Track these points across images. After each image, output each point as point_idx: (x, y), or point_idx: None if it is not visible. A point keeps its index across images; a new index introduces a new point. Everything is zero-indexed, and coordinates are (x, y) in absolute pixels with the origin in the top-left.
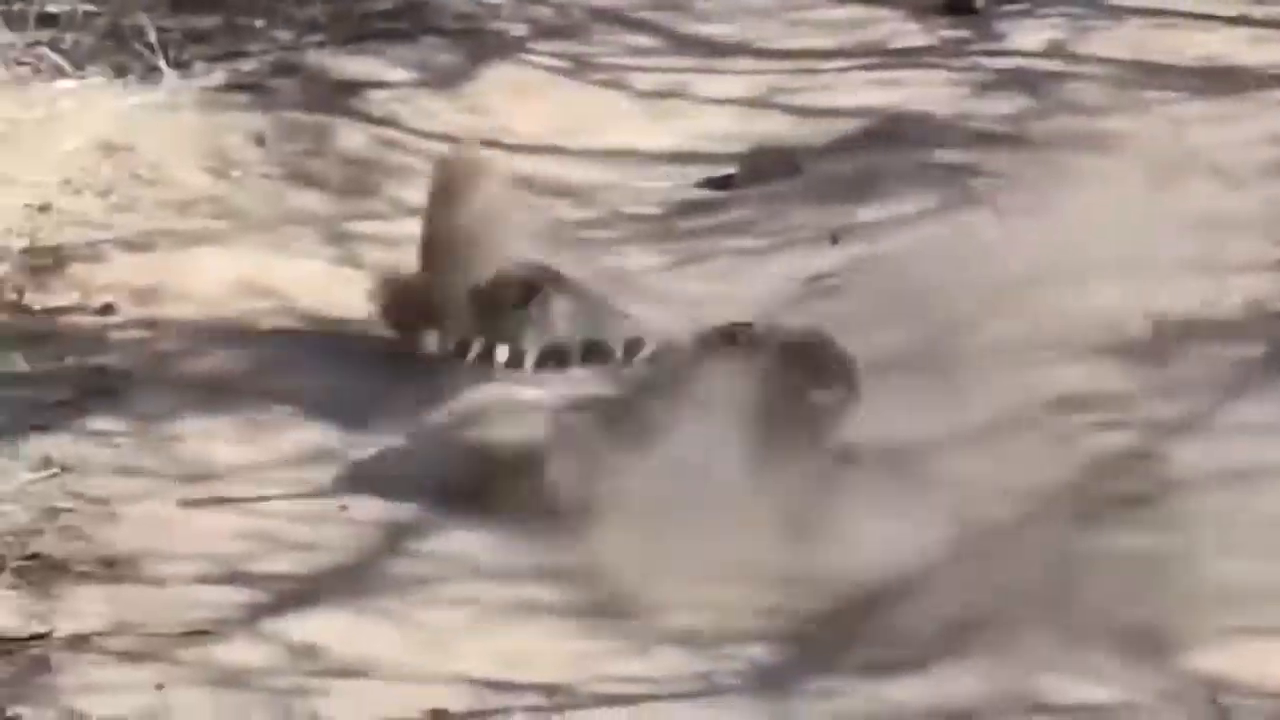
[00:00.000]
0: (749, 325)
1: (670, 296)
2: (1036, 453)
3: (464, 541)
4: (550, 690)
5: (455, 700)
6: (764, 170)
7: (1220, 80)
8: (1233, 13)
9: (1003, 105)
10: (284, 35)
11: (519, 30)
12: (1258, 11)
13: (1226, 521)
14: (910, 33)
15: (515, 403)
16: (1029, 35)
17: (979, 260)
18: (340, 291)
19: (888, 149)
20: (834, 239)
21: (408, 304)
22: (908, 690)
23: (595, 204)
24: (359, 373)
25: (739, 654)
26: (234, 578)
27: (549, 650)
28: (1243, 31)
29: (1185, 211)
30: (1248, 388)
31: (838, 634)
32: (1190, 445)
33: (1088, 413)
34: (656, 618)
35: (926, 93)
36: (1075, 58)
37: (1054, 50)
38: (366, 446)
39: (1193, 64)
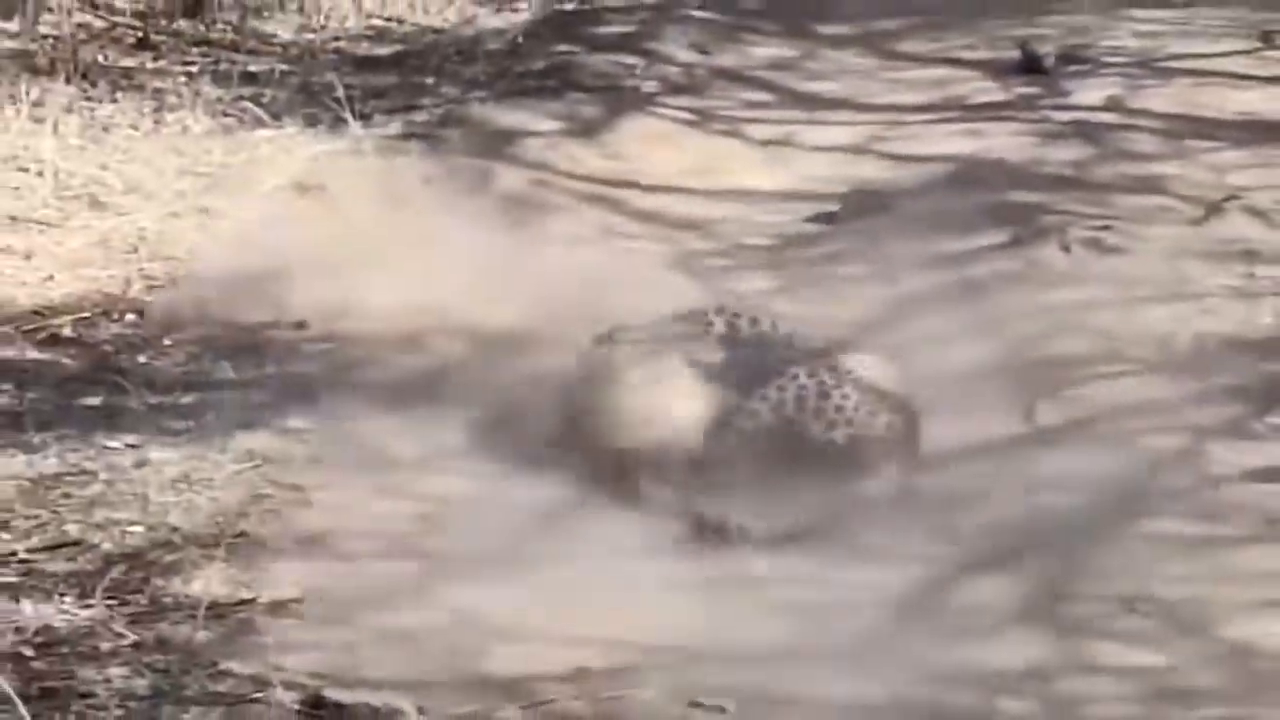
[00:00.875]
0: None
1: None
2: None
3: (607, 522)
4: (678, 651)
5: (596, 660)
6: (862, 208)
7: (1259, 132)
8: (1270, 74)
9: (1068, 153)
10: (451, 91)
11: (651, 87)
12: None
13: (1258, 512)
14: (988, 90)
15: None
16: (1091, 92)
17: (1046, 287)
18: (495, 311)
19: (968, 190)
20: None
21: None
22: (984, 651)
23: (717, 236)
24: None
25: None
26: (408, 552)
27: (678, 617)
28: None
29: (1224, 244)
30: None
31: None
32: (1228, 446)
33: (1140, 418)
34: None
35: (1002, 142)
36: (1131, 111)
37: (1113, 105)
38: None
39: (1234, 118)
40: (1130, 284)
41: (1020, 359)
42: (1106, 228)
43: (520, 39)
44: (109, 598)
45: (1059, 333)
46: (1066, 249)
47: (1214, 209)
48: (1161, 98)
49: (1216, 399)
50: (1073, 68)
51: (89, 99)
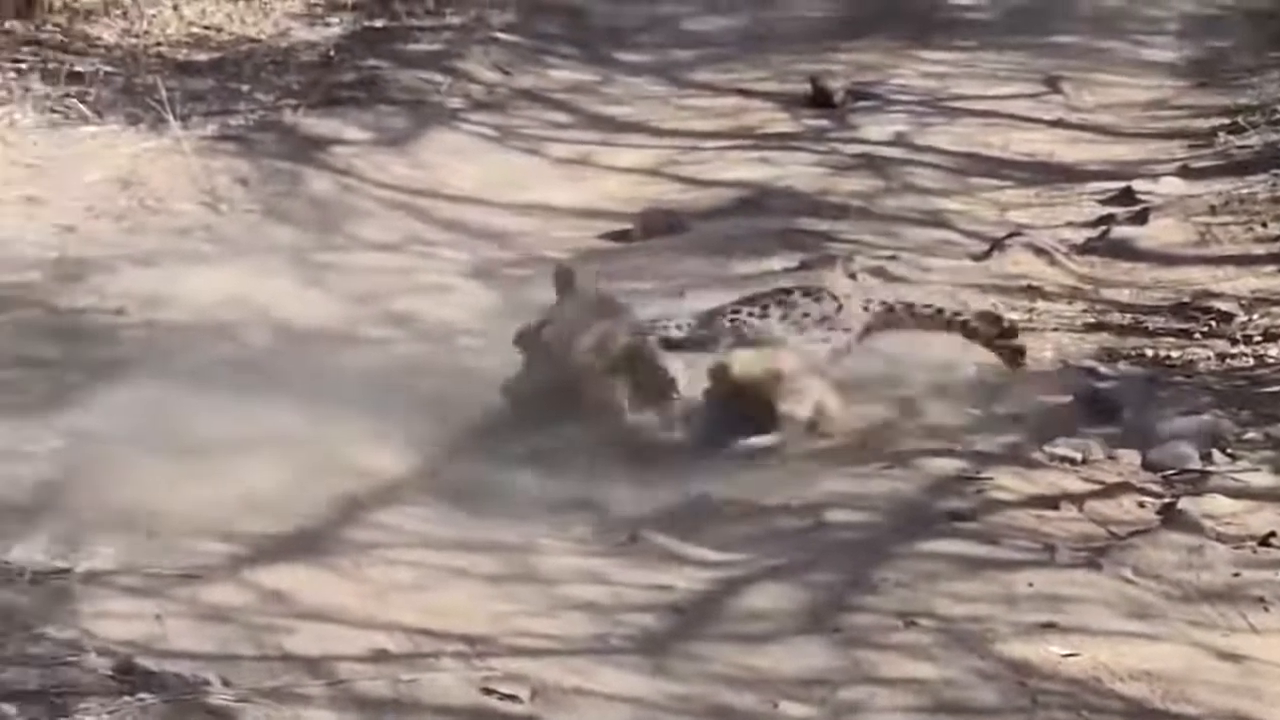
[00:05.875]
0: None
1: None
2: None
3: (411, 515)
4: (472, 640)
5: (396, 644)
6: (655, 227)
7: (1041, 172)
8: (1051, 117)
9: (855, 184)
10: (266, 98)
11: (455, 103)
12: (1073, 117)
13: (1036, 536)
14: (779, 120)
15: None
16: (879, 127)
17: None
18: (304, 307)
19: (758, 215)
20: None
21: None
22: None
23: (515, 247)
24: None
25: (631, 621)
26: (219, 532)
27: (474, 608)
28: (1061, 132)
29: (1007, 279)
30: (1055, 426)
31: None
32: (1009, 471)
33: (923, 440)
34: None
35: (792, 170)
36: (916, 148)
37: (899, 140)
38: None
39: (1018, 157)
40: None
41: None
42: (892, 258)
43: (332, 52)
44: None
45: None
46: (853, 276)
47: (997, 245)
48: (948, 135)
49: (997, 427)
50: (861, 103)
51: None
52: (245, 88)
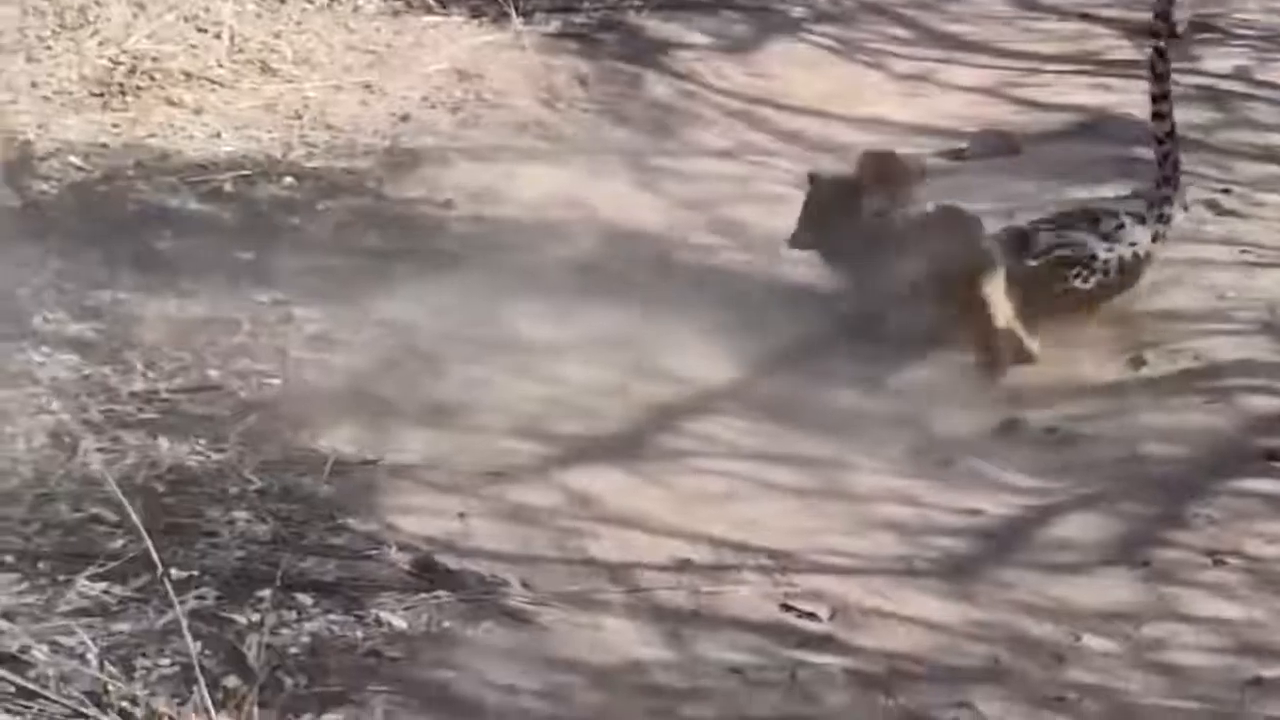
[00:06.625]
0: None
1: None
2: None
3: (725, 426)
4: (775, 554)
5: (698, 554)
6: (990, 148)
7: None
8: None
9: (1193, 116)
10: None
11: (800, 13)
12: None
13: None
14: (1121, 48)
15: None
16: (1220, 60)
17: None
18: (635, 210)
19: (1094, 141)
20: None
21: None
22: (1073, 589)
23: (851, 161)
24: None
25: (938, 544)
26: (531, 432)
27: (780, 522)
28: None
29: None
30: None
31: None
32: None
33: (1243, 377)
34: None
35: (1130, 99)
36: (1256, 82)
37: (1239, 74)
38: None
39: None
40: (1244, 247)
41: (1131, 307)
42: (1226, 191)
43: None
44: (241, 444)
45: (1171, 286)
46: (1185, 208)
47: None
48: None
49: None
50: (1203, 35)
51: None
52: None
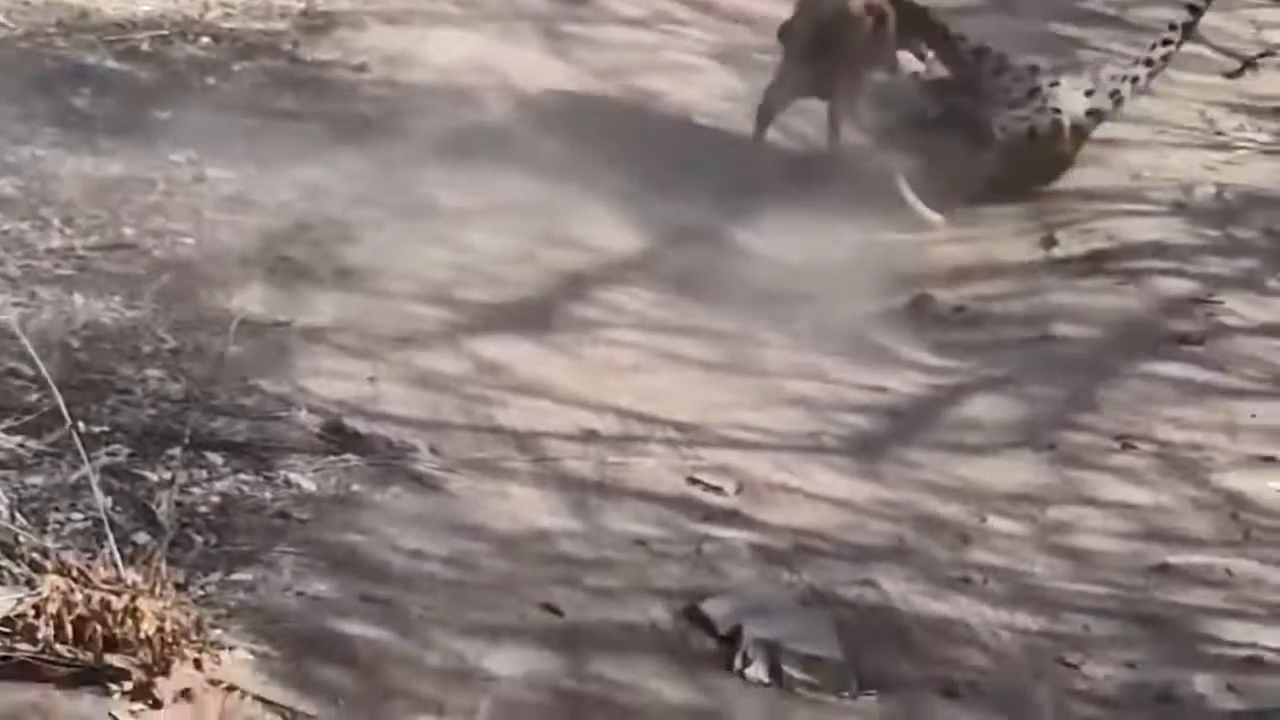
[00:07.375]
0: None
1: None
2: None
3: (634, 296)
4: (683, 428)
5: (605, 425)
6: None
7: None
8: None
9: None
10: None
11: None
12: None
13: (1264, 366)
14: None
15: None
16: None
17: None
18: (547, 77)
19: (1010, 17)
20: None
21: None
22: (979, 469)
23: (767, 32)
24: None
25: (844, 421)
26: (441, 299)
27: (688, 395)
28: None
29: (1256, 100)
30: None
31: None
32: (1240, 298)
33: (1156, 259)
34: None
35: None
36: None
37: None
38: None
39: None
40: (1160, 128)
41: (1045, 188)
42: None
43: None
44: (155, 303)
45: (1086, 165)
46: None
47: (1249, 64)
48: None
49: (1233, 251)
50: None
51: None
52: None
